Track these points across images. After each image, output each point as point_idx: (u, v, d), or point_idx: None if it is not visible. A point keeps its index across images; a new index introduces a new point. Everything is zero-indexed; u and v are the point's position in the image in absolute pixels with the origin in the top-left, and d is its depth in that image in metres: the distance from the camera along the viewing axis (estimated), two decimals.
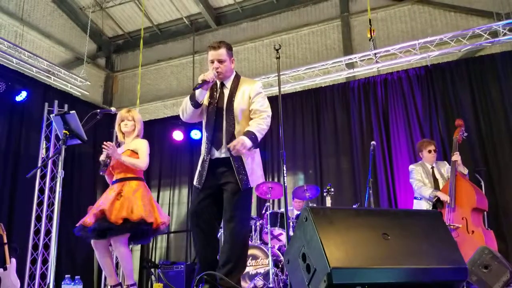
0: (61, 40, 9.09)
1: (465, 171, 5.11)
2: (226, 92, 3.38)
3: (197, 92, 3.24)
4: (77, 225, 3.96)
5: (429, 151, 5.31)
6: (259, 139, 3.21)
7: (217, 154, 3.30)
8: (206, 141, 3.35)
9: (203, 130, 3.42)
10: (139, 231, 3.96)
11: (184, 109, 3.40)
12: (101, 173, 4.03)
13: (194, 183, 3.39)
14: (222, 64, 3.34)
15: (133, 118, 4.23)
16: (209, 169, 3.29)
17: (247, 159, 3.25)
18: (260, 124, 3.24)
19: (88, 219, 3.86)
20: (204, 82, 3.20)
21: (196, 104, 3.28)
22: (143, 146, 4.15)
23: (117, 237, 3.87)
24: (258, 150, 3.39)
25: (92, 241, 3.97)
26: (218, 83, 3.43)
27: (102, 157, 4.01)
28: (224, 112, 3.31)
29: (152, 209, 4.01)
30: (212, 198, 3.30)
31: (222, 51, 3.34)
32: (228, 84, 3.42)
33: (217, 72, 3.30)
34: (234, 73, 3.52)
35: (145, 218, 3.85)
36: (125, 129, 4.20)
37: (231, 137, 3.23)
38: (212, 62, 3.34)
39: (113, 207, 3.84)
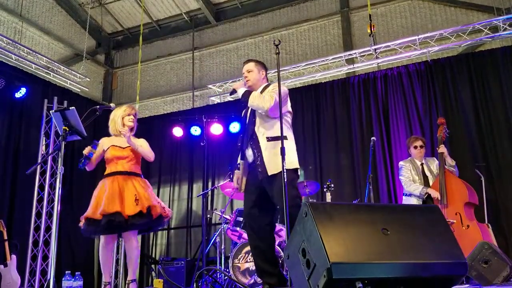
0: (60, 37, 9.07)
1: (453, 162, 5.15)
2: None
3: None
4: (83, 220, 4.02)
5: (415, 147, 5.35)
6: (248, 99, 3.66)
7: (249, 156, 3.74)
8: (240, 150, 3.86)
9: None
10: (160, 224, 4.23)
11: None
12: (80, 166, 4.07)
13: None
14: (249, 74, 3.93)
15: (136, 115, 4.47)
16: (249, 172, 3.74)
17: (264, 151, 3.59)
18: (260, 96, 3.66)
19: (98, 213, 3.94)
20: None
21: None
22: (145, 142, 4.41)
23: (131, 231, 3.95)
24: (279, 142, 3.54)
25: (104, 237, 4.02)
26: None
27: (85, 151, 4.08)
28: (249, 116, 3.79)
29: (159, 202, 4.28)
30: (259, 199, 3.67)
31: (250, 64, 4.01)
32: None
33: (245, 80, 3.91)
34: (266, 83, 3.98)
35: (169, 214, 4.23)
36: (131, 124, 4.37)
37: (252, 134, 3.68)
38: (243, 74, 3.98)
39: (154, 203, 4.08)
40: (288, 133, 3.75)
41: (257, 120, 3.71)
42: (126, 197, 4.00)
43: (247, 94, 3.71)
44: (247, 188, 3.75)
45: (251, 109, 3.78)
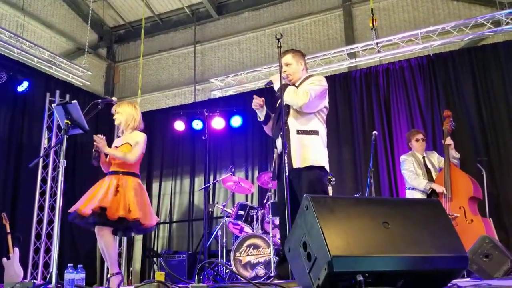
0: (62, 30, 9.07)
1: (457, 155, 5.15)
2: None
3: (258, 113, 3.85)
4: (70, 210, 4.01)
5: (417, 140, 5.36)
6: (287, 94, 3.61)
7: (279, 147, 3.69)
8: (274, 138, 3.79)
9: None
10: (128, 228, 4.05)
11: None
12: (93, 163, 4.12)
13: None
14: (288, 67, 3.80)
15: (117, 110, 4.27)
16: (279, 163, 3.66)
17: (293, 143, 3.57)
18: (294, 92, 3.61)
19: (84, 209, 3.88)
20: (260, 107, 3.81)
21: (263, 122, 3.90)
22: (138, 140, 4.15)
23: (101, 228, 3.93)
24: (311, 136, 3.64)
25: (97, 228, 4.01)
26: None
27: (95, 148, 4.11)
28: (284, 108, 3.65)
29: (146, 209, 4.07)
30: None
31: (288, 56, 3.84)
32: (298, 84, 3.79)
33: (285, 74, 3.79)
34: (307, 74, 3.89)
35: (140, 220, 3.92)
36: (116, 123, 4.32)
37: (283, 125, 3.59)
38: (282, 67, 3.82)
39: (113, 204, 3.88)
40: (321, 128, 3.71)
41: (291, 112, 3.67)
42: (116, 200, 3.93)
43: (283, 87, 3.67)
44: (279, 177, 3.68)
45: (286, 105, 3.69)
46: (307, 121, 3.65)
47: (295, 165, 3.51)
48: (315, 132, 3.65)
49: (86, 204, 3.92)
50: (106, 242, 3.97)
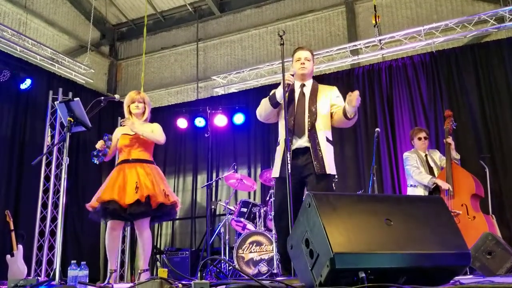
0: (65, 28, 9.08)
1: (458, 156, 5.15)
2: (307, 90, 3.82)
3: (278, 93, 3.70)
4: (93, 205, 4.00)
5: (419, 138, 5.37)
6: (354, 112, 3.61)
7: (298, 144, 3.65)
8: (285, 134, 3.54)
9: (280, 126, 3.82)
10: (164, 214, 4.14)
11: (262, 109, 3.85)
12: (96, 161, 4.09)
13: (274, 175, 3.71)
14: (308, 62, 3.85)
15: (144, 100, 4.36)
16: (291, 159, 3.54)
17: (323, 150, 3.60)
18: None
19: (126, 200, 3.89)
20: (288, 85, 3.66)
21: (275, 104, 3.72)
22: (158, 126, 4.35)
23: (143, 220, 3.95)
24: (332, 147, 3.76)
25: (111, 222, 4.01)
26: (298, 84, 3.86)
27: (99, 145, 4.06)
28: (307, 107, 3.71)
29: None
30: (295, 188, 3.51)
31: (309, 53, 3.91)
32: (308, 84, 3.87)
33: (302, 67, 3.81)
34: (311, 78, 3.97)
35: (177, 202, 4.15)
36: (137, 110, 4.31)
37: (312, 127, 3.65)
38: (298, 60, 3.85)
39: (154, 191, 3.96)
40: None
41: (320, 117, 3.71)
42: (128, 186, 3.96)
43: (355, 113, 3.62)
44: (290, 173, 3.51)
45: (309, 98, 3.75)
46: (330, 131, 3.79)
47: (328, 171, 3.59)
48: (334, 143, 3.81)
49: (122, 194, 3.92)
50: (148, 238, 4.04)
